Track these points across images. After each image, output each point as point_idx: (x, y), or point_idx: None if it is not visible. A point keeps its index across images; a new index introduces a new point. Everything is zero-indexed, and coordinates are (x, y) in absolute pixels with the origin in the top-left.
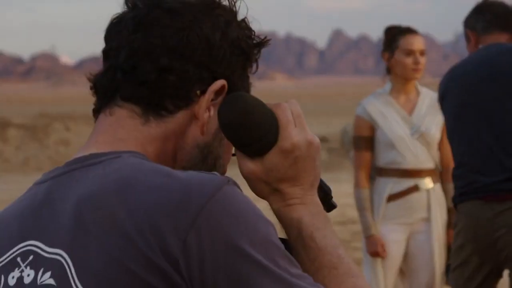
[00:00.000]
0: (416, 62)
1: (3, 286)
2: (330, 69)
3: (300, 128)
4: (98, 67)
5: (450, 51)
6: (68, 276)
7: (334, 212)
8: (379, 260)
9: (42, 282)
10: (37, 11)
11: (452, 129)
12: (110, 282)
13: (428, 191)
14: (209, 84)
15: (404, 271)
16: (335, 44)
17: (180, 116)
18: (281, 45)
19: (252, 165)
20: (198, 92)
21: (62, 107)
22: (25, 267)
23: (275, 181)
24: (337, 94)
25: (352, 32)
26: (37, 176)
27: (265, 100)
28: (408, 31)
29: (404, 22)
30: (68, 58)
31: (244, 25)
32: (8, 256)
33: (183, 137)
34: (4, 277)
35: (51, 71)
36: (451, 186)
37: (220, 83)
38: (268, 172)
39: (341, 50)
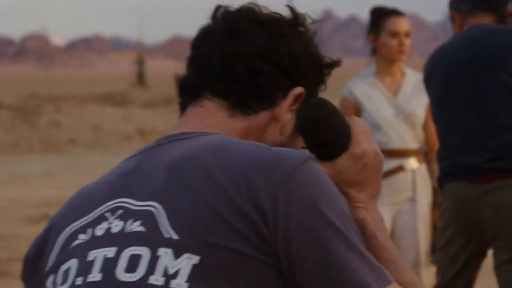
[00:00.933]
0: (401, 44)
1: (90, 238)
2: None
3: (369, 140)
4: (88, 49)
5: (439, 32)
6: (158, 223)
7: None
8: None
9: (130, 230)
10: None
11: (437, 110)
12: (202, 228)
13: (413, 171)
14: (290, 90)
15: None
16: (325, 24)
17: (262, 116)
18: None
19: (323, 167)
20: (280, 95)
21: (52, 89)
22: (114, 219)
23: (344, 184)
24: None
25: (342, 12)
26: (28, 158)
27: None
28: (394, 12)
29: (394, 3)
30: (59, 39)
31: (318, 46)
32: (96, 213)
33: (262, 135)
34: (92, 230)
35: (42, 52)
36: (436, 167)
37: (300, 89)
38: (338, 174)
39: (330, 31)
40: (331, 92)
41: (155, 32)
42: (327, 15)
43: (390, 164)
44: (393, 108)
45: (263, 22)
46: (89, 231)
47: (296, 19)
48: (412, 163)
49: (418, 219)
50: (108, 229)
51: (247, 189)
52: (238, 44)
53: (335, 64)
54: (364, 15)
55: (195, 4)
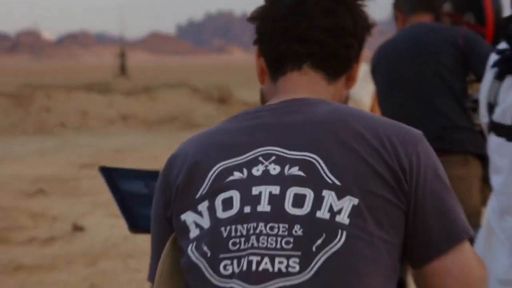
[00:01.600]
0: None
1: (248, 176)
2: None
3: None
4: (75, 43)
5: (384, 28)
6: (319, 170)
7: None
8: None
9: (290, 173)
10: None
11: (383, 97)
12: (361, 178)
13: None
14: (360, 54)
15: None
16: None
17: (342, 79)
18: (238, 22)
19: None
20: (355, 60)
21: (44, 79)
22: (269, 163)
23: None
24: None
25: None
26: (23, 139)
27: (222, 71)
28: None
29: None
30: (49, 34)
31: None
32: (248, 156)
33: (341, 93)
34: (248, 170)
35: (34, 46)
36: None
37: (364, 52)
38: None
39: None
40: None
41: (135, 29)
42: None
43: None
44: None
45: (350, 7)
46: (245, 170)
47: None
48: None
49: None
50: (266, 171)
51: (391, 149)
52: (335, 22)
53: (373, 27)
54: None
55: (171, 3)
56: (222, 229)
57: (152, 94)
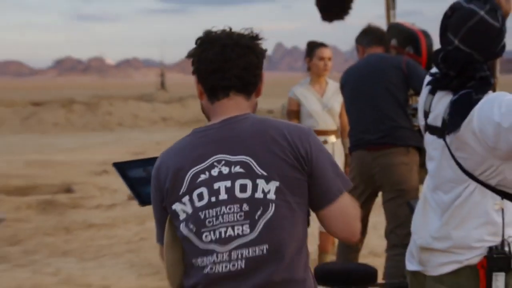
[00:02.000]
0: (325, 65)
1: (209, 177)
2: (275, 68)
3: None
4: (129, 66)
5: (348, 57)
6: (252, 167)
7: None
8: None
9: (235, 171)
10: (89, 30)
11: (349, 106)
12: (275, 166)
13: (332, 143)
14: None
15: None
16: (277, 52)
17: (254, 94)
18: None
19: None
20: (260, 81)
21: (107, 91)
22: (221, 166)
23: None
24: (278, 84)
25: (288, 44)
26: (92, 134)
27: None
28: (322, 45)
29: (318, 39)
30: (111, 60)
31: None
32: (207, 163)
33: (256, 101)
34: (209, 172)
35: (100, 69)
36: (347, 141)
37: (263, 75)
38: None
39: (281, 56)
40: (283, 93)
41: (171, 56)
42: (278, 46)
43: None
44: (320, 104)
45: (249, 47)
46: (207, 173)
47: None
48: (332, 138)
49: None
50: (220, 171)
51: (294, 146)
52: (246, 61)
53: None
54: (302, 46)
55: (199, 35)
56: (200, 213)
57: (183, 102)
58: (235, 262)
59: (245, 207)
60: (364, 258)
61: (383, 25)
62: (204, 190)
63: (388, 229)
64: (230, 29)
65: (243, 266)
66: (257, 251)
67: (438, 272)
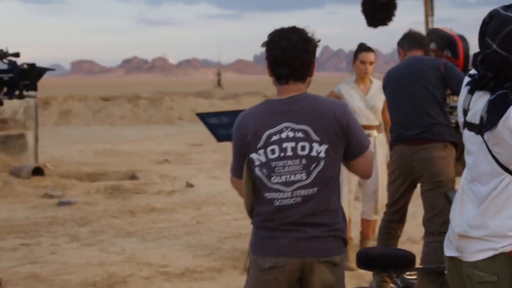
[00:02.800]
0: (365, 69)
1: (279, 138)
2: (321, 69)
3: None
4: (189, 66)
5: (389, 59)
6: (309, 134)
7: None
8: (345, 174)
9: (297, 136)
10: (154, 33)
11: (390, 104)
12: (326, 134)
13: (374, 137)
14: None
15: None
16: (324, 54)
17: (308, 78)
18: None
19: None
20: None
21: (169, 88)
22: (288, 131)
23: None
24: (324, 83)
25: (334, 47)
26: (155, 127)
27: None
28: (364, 49)
29: (366, 39)
30: (172, 60)
31: None
32: (278, 127)
33: (309, 82)
34: (279, 135)
35: (163, 68)
36: (389, 135)
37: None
38: None
39: (327, 58)
40: (325, 91)
41: (227, 56)
42: (325, 49)
43: None
44: (363, 101)
45: (303, 42)
46: (278, 135)
47: None
48: (374, 133)
49: (377, 165)
50: (287, 135)
51: (338, 119)
52: (301, 57)
53: (318, 44)
54: (347, 49)
55: (250, 40)
56: (271, 163)
57: (237, 99)
58: (295, 198)
59: (304, 161)
60: (403, 244)
61: (422, 30)
62: (275, 147)
63: (425, 218)
64: (294, 29)
65: (300, 201)
66: (310, 191)
67: (474, 258)
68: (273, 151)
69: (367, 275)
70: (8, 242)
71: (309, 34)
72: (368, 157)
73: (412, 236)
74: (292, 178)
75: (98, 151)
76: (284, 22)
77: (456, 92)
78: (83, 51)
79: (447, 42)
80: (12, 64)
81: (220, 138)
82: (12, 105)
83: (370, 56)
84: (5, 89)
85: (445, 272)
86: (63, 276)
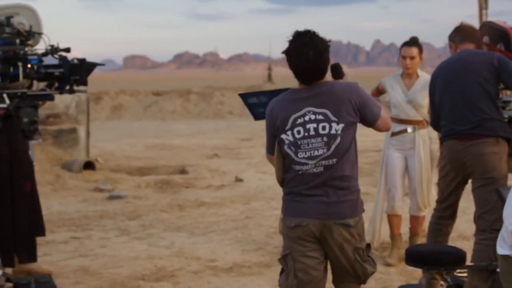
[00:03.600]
0: (405, 64)
1: (303, 121)
2: (373, 63)
3: None
4: (240, 61)
5: (442, 52)
6: (329, 116)
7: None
8: (387, 168)
9: (318, 118)
10: (205, 27)
11: (440, 98)
12: (343, 116)
13: (414, 132)
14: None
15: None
16: (375, 48)
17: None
18: (344, 48)
19: None
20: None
21: (219, 83)
22: (310, 114)
23: None
24: (376, 78)
25: (386, 41)
26: (205, 121)
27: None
28: (406, 43)
29: (417, 33)
30: (223, 55)
31: None
32: (301, 112)
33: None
34: (303, 118)
35: (214, 62)
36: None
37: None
38: None
39: (379, 52)
40: (373, 80)
41: (277, 52)
42: (376, 43)
43: (399, 127)
44: (404, 96)
45: (315, 47)
46: (302, 118)
47: None
48: (412, 128)
49: (416, 159)
50: (310, 118)
51: (353, 101)
52: (314, 63)
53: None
54: (399, 43)
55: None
56: (298, 141)
57: None
58: (317, 168)
59: (325, 138)
60: (453, 241)
61: (475, 24)
62: (300, 128)
63: (476, 214)
64: (311, 42)
65: (322, 170)
66: (329, 162)
67: None
68: (298, 132)
69: (416, 272)
70: (59, 235)
71: (323, 42)
72: (384, 118)
73: (463, 233)
74: (316, 153)
75: (149, 146)
76: (335, 16)
77: (510, 87)
78: (135, 46)
79: (500, 35)
80: (63, 59)
81: (257, 117)
82: (64, 100)
83: (410, 51)
84: (56, 84)
85: (497, 270)
86: (112, 269)
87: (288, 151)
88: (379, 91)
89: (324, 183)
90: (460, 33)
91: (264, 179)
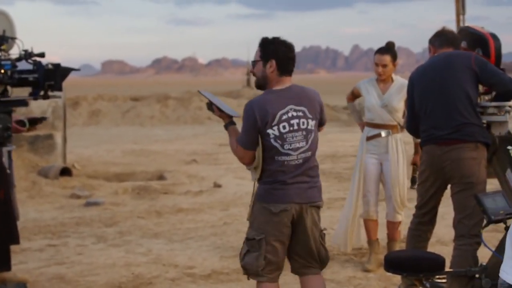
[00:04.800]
0: (378, 71)
1: (287, 117)
2: (351, 68)
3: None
4: (219, 66)
5: (420, 58)
6: (306, 113)
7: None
8: (362, 174)
9: (298, 115)
10: (183, 32)
11: (419, 103)
12: (314, 113)
13: (387, 136)
14: None
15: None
16: (354, 53)
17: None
18: (323, 53)
19: None
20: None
21: (198, 88)
22: (292, 111)
23: None
24: (354, 83)
25: (365, 46)
26: (184, 127)
27: (313, 85)
28: (379, 51)
29: (393, 38)
30: (202, 60)
31: None
32: (286, 109)
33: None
34: (287, 114)
35: (193, 67)
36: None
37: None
38: None
39: (357, 57)
40: (351, 85)
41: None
42: (355, 48)
43: (374, 131)
44: (379, 100)
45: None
46: (286, 114)
47: None
48: (387, 132)
49: (391, 163)
50: (292, 114)
51: (318, 103)
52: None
53: None
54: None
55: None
56: (284, 135)
57: None
58: (299, 160)
59: (304, 133)
60: (432, 246)
61: (453, 29)
62: (285, 123)
63: (456, 220)
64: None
65: (301, 162)
66: (307, 154)
67: None
68: (284, 127)
69: (395, 278)
70: (35, 243)
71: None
72: (324, 126)
73: (441, 238)
74: (297, 145)
75: (127, 151)
76: (314, 21)
77: (493, 87)
78: (113, 51)
79: (478, 40)
80: (37, 64)
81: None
82: (40, 105)
83: (383, 58)
84: (30, 90)
85: (476, 276)
86: (89, 277)
87: (275, 143)
88: (354, 95)
89: (303, 172)
90: (440, 38)
91: (242, 185)
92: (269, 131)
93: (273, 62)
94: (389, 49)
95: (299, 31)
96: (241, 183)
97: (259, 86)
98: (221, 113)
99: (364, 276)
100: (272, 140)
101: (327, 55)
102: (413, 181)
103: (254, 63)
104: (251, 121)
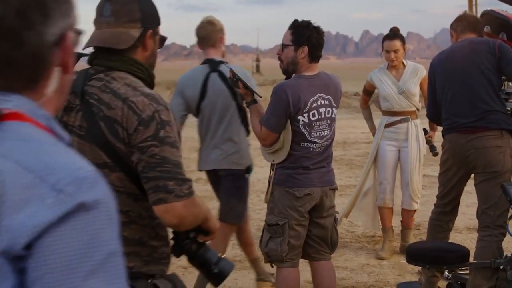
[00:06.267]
0: (390, 58)
1: (317, 105)
2: (362, 54)
3: None
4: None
5: (431, 43)
6: (331, 101)
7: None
8: (382, 159)
9: (326, 103)
10: (192, 19)
11: (441, 90)
12: (337, 102)
13: (407, 123)
14: None
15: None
16: (364, 39)
17: None
18: (333, 39)
19: None
20: None
21: None
22: (321, 100)
23: None
24: (365, 69)
25: (375, 31)
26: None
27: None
28: (387, 37)
29: (404, 26)
30: None
31: None
32: (315, 97)
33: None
34: (317, 102)
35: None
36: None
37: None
38: None
39: (368, 42)
40: (364, 77)
41: (266, 43)
42: (365, 33)
43: (393, 118)
44: (395, 87)
45: None
46: (316, 102)
47: None
48: (406, 119)
49: (410, 150)
50: (321, 102)
51: (339, 91)
52: None
53: None
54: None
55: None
56: (313, 123)
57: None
58: (323, 146)
59: (328, 121)
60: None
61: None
62: (315, 111)
63: (480, 210)
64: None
65: (323, 149)
66: (328, 142)
67: None
68: (313, 115)
69: (409, 266)
70: None
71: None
72: None
73: (455, 225)
74: (322, 133)
75: None
76: (324, 7)
77: (507, 75)
78: None
79: (502, 24)
80: None
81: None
82: None
83: (393, 44)
84: None
85: (501, 268)
86: None
87: (303, 130)
88: (368, 91)
89: (324, 159)
90: (462, 23)
91: (254, 172)
92: (300, 117)
93: (305, 49)
94: (396, 34)
95: (309, 16)
96: (254, 170)
97: (286, 71)
98: (246, 90)
99: (378, 264)
100: (301, 127)
101: (337, 40)
102: (432, 148)
103: (284, 47)
104: (284, 105)
